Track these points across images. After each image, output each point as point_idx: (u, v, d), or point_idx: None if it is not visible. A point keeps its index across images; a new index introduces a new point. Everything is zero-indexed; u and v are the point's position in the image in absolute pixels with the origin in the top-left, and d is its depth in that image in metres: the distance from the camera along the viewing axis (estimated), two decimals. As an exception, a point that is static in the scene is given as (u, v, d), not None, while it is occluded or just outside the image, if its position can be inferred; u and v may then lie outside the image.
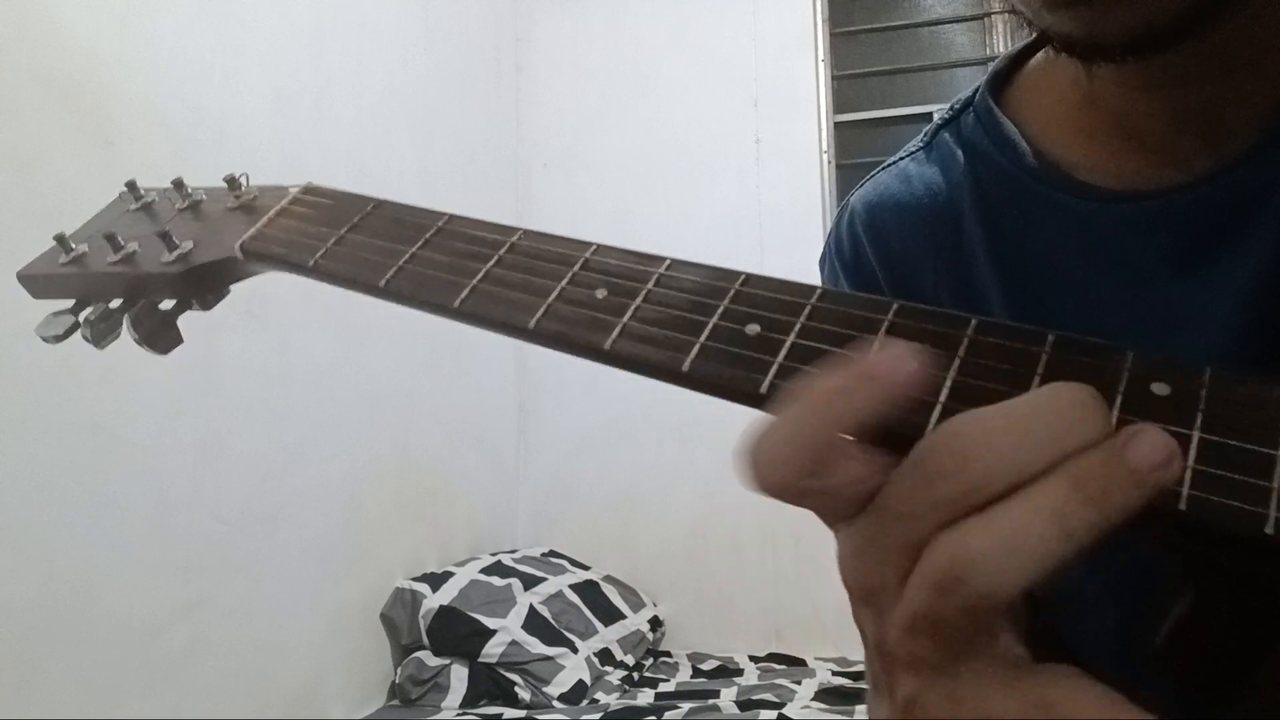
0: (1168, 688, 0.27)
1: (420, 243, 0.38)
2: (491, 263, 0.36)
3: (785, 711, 1.98)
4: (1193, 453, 0.23)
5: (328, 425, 2.07)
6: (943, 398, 0.26)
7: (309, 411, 2.02)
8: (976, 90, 0.51)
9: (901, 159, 0.53)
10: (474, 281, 0.35)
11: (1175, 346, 0.40)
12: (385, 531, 2.26)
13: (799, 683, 2.18)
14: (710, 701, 2.08)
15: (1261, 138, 0.40)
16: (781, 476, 0.24)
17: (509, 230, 0.37)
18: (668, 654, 2.56)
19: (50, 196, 1.46)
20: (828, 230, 0.57)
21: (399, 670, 2.16)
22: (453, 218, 0.39)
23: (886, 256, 0.51)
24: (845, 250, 0.53)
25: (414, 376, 2.21)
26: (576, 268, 0.34)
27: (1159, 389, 0.25)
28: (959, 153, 0.49)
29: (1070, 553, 0.22)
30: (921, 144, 0.53)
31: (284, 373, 1.94)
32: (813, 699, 2.06)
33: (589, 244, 0.35)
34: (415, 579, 2.25)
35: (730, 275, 0.32)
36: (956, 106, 0.52)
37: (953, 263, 0.48)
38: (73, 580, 1.48)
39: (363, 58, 2.30)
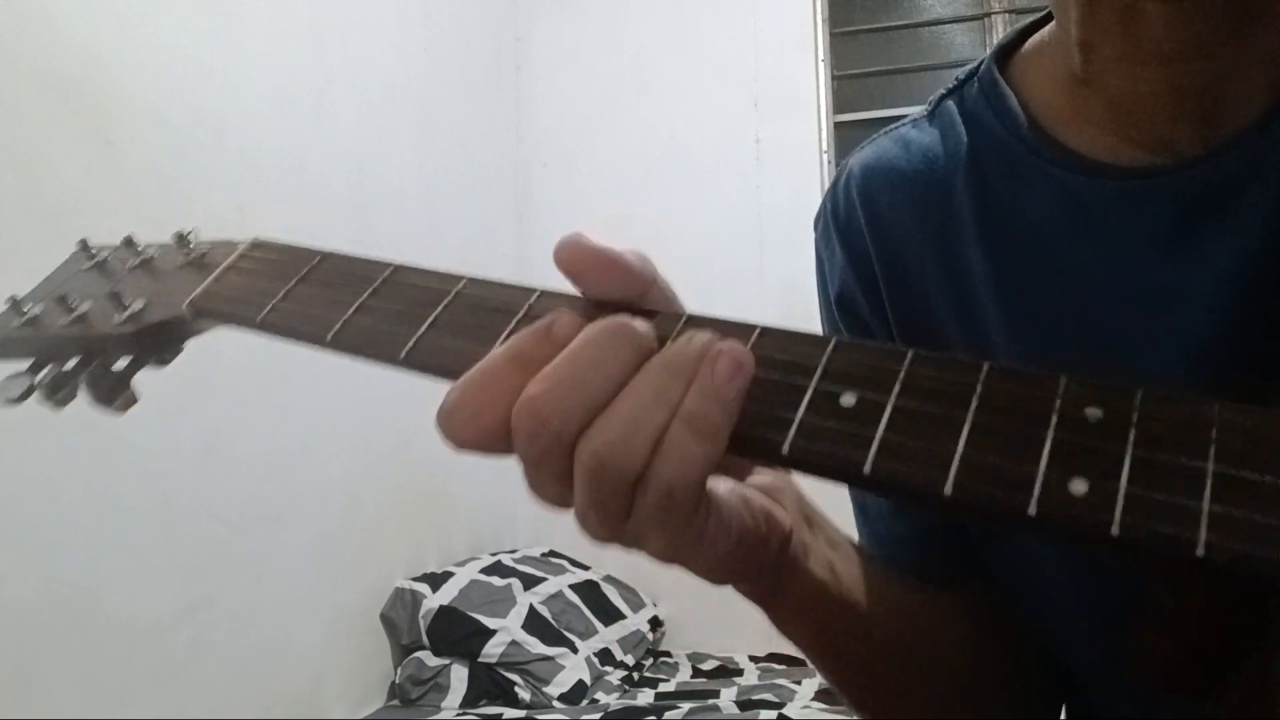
0: (1145, 689, 0.27)
1: (365, 295, 0.38)
2: (437, 311, 0.36)
3: (785, 711, 1.98)
4: (1124, 478, 0.24)
5: (328, 426, 2.08)
6: (880, 432, 0.27)
7: (309, 412, 2.02)
8: (983, 61, 0.51)
9: (904, 124, 0.53)
10: (418, 333, 0.35)
11: (1160, 325, 0.41)
12: (385, 532, 2.26)
13: (799, 683, 2.18)
14: (710, 701, 2.08)
15: (1253, 122, 0.40)
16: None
17: (454, 279, 0.37)
18: (668, 654, 2.56)
19: (50, 196, 1.46)
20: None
21: (399, 670, 2.16)
22: (398, 268, 0.39)
23: (876, 222, 0.51)
24: (840, 211, 0.53)
25: (414, 377, 2.20)
26: (520, 315, 0.34)
27: (1092, 413, 0.25)
28: (959, 121, 0.49)
29: (665, 416, 0.27)
30: (925, 111, 0.53)
31: (284, 373, 1.94)
32: (813, 699, 2.06)
33: (532, 290, 0.35)
34: (415, 579, 2.25)
35: (670, 318, 0.32)
36: (962, 77, 0.52)
37: (940, 230, 0.48)
38: (74, 581, 1.48)
39: (363, 58, 2.30)
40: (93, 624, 1.51)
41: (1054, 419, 0.25)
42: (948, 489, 0.25)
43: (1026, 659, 0.51)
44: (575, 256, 0.32)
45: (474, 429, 0.30)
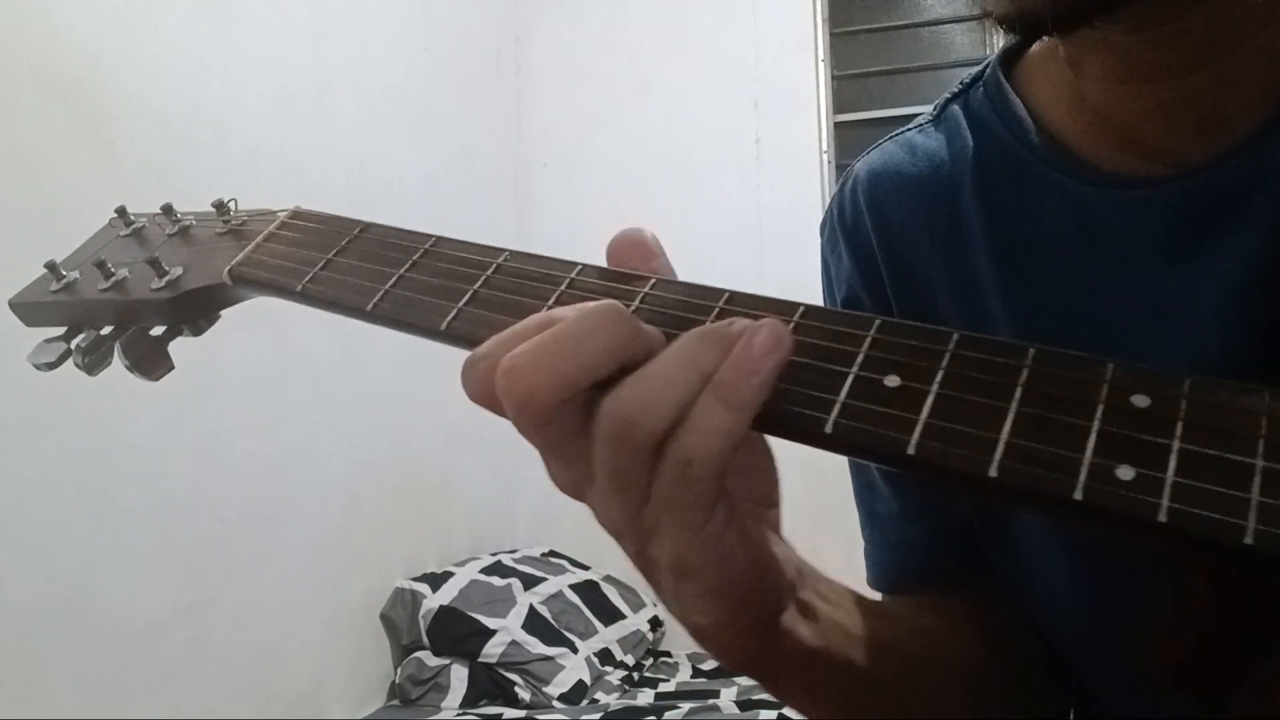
0: (1162, 690, 0.27)
1: (407, 265, 0.38)
2: (478, 284, 0.35)
3: (785, 711, 1.98)
4: (1172, 465, 0.23)
5: (328, 425, 2.07)
6: (925, 414, 0.26)
7: (309, 412, 2.02)
8: (988, 65, 0.51)
9: (910, 129, 0.53)
10: (460, 304, 0.35)
11: (1164, 331, 0.40)
12: (385, 531, 2.26)
13: (799, 683, 2.18)
14: (710, 701, 2.08)
15: (1257, 129, 0.40)
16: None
17: (495, 251, 0.37)
18: (668, 654, 2.56)
19: (50, 196, 1.46)
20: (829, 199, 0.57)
21: (399, 670, 2.16)
22: (439, 239, 0.39)
23: (883, 226, 0.51)
24: (847, 216, 0.53)
25: (414, 376, 2.20)
26: (563, 288, 0.34)
27: (1139, 401, 0.25)
28: (965, 126, 0.49)
29: (696, 383, 0.27)
30: (931, 116, 0.53)
31: (284, 373, 1.94)
32: (813, 699, 2.06)
33: (574, 264, 0.35)
34: (415, 579, 2.25)
35: (714, 293, 0.32)
36: (967, 81, 0.52)
37: (948, 235, 0.48)
38: (73, 580, 1.48)
39: (363, 58, 2.30)
40: (91, 623, 1.50)
41: (1100, 405, 0.25)
42: (993, 471, 0.25)
43: (1031, 663, 0.50)
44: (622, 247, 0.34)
45: (487, 387, 0.30)
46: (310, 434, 2.02)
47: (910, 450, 0.26)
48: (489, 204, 2.84)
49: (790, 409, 0.28)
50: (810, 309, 0.30)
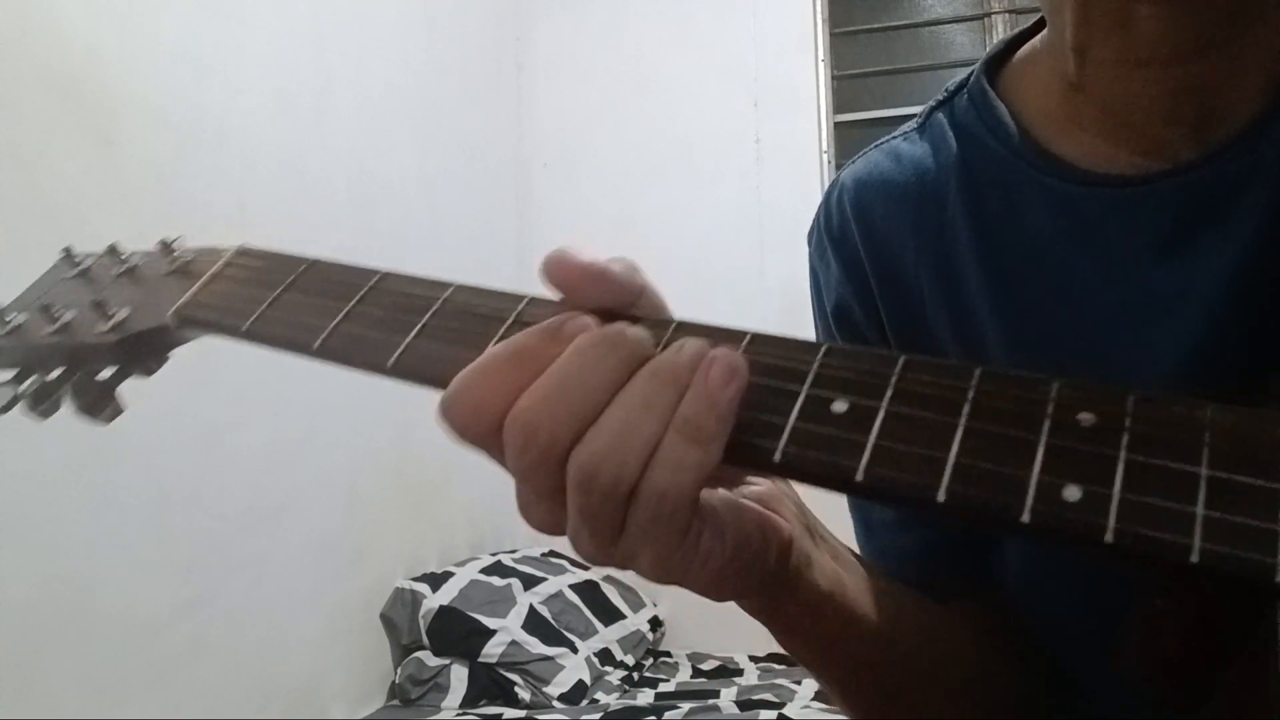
0: (1140, 691, 0.27)
1: (353, 302, 0.37)
2: (425, 319, 0.35)
3: (785, 711, 1.98)
4: (1118, 484, 0.23)
5: (328, 423, 2.07)
6: (872, 439, 0.26)
7: (309, 409, 2.02)
8: (972, 73, 0.51)
9: (895, 138, 0.53)
10: (407, 340, 0.35)
11: (1158, 329, 0.41)
12: (386, 531, 2.26)
13: (799, 683, 2.18)
14: (710, 701, 2.08)
15: (1249, 124, 0.40)
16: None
17: (442, 285, 0.36)
18: (668, 654, 2.56)
19: (51, 196, 1.46)
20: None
21: (399, 670, 2.16)
22: (385, 275, 0.38)
23: (870, 234, 0.51)
24: (834, 224, 0.54)
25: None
26: (510, 320, 0.34)
27: (1085, 419, 0.25)
28: (950, 133, 0.50)
29: (655, 424, 0.27)
30: (915, 124, 0.53)
31: (284, 370, 1.94)
32: (813, 699, 2.06)
33: (522, 296, 0.34)
34: (415, 579, 2.25)
35: (662, 323, 0.32)
36: (952, 88, 0.52)
37: (934, 242, 0.48)
38: (73, 578, 1.48)
39: (363, 57, 2.30)
40: (90, 621, 1.50)
41: (1046, 424, 0.25)
42: (941, 495, 0.25)
43: (1037, 667, 0.50)
44: (562, 271, 0.32)
45: (473, 425, 0.29)
46: (311, 432, 2.02)
47: (859, 477, 0.26)
48: (489, 204, 2.84)
49: (739, 438, 0.28)
50: (756, 336, 0.30)
